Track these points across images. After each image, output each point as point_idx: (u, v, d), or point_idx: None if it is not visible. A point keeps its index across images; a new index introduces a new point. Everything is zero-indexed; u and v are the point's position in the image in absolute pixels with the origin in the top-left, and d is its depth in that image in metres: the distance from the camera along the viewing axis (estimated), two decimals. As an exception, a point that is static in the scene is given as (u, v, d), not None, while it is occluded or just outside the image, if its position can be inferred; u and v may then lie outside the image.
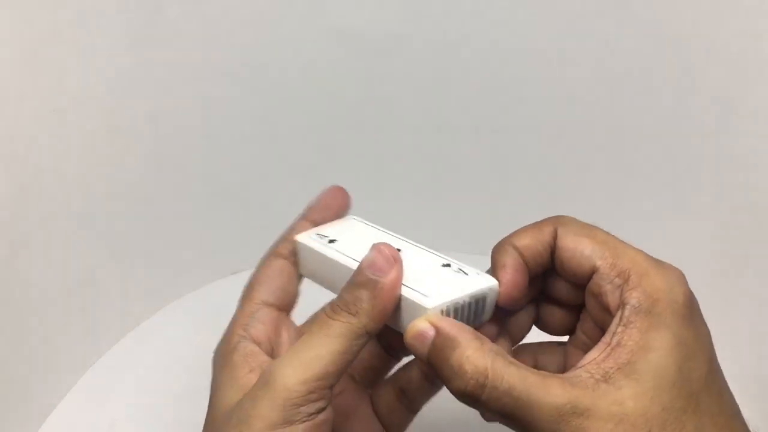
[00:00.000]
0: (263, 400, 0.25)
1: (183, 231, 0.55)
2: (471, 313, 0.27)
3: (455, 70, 0.53)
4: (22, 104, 0.40)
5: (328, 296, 0.29)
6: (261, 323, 0.29)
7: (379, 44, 0.52)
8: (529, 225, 0.28)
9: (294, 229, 0.31)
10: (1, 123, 0.39)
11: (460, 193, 0.58)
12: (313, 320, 0.27)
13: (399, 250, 0.28)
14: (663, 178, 0.51)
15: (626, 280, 0.25)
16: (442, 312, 0.26)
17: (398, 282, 0.26)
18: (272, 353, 0.29)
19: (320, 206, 0.32)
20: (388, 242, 0.27)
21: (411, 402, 0.30)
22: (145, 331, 0.54)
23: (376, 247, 0.26)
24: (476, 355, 0.24)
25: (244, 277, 0.31)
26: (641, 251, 0.26)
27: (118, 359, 0.51)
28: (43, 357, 0.45)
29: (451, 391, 0.25)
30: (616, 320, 0.25)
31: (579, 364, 0.25)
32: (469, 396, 0.24)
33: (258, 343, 0.28)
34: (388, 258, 0.26)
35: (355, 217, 0.33)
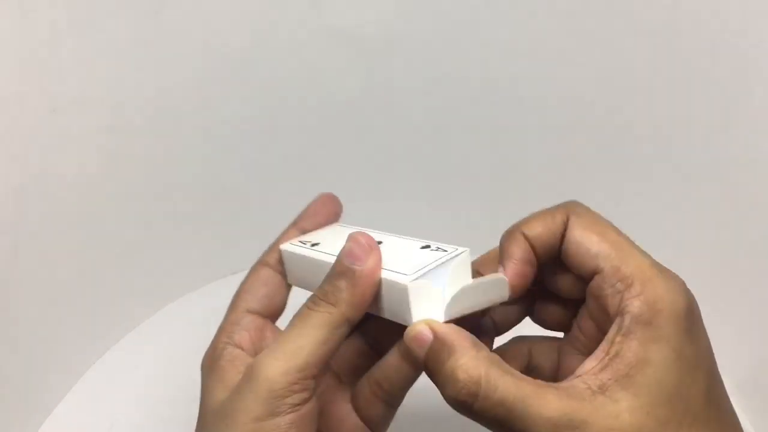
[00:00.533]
0: (248, 393, 0.25)
1: (183, 231, 0.55)
2: (446, 282, 0.27)
3: (455, 70, 0.53)
4: (22, 104, 0.40)
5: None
6: (245, 330, 0.29)
7: (379, 44, 0.52)
8: (542, 211, 0.28)
9: (283, 237, 0.32)
10: (1, 123, 0.39)
11: (460, 193, 0.58)
12: (294, 315, 0.27)
13: (380, 242, 0.28)
14: (663, 178, 0.51)
15: (628, 287, 0.25)
16: (419, 288, 0.26)
17: (376, 269, 0.26)
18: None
19: (309, 214, 0.33)
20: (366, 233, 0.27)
21: (388, 395, 0.30)
22: (145, 331, 0.54)
23: (351, 237, 0.27)
24: (471, 363, 0.24)
25: (243, 278, 0.31)
26: (648, 257, 0.26)
27: (118, 359, 0.51)
28: (43, 357, 0.45)
29: (445, 398, 0.25)
30: (614, 328, 0.25)
31: (576, 373, 0.25)
32: (461, 404, 0.24)
33: (242, 349, 0.29)
34: (364, 246, 0.26)
35: (341, 223, 0.33)
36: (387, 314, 0.27)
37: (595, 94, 0.51)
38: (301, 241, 0.31)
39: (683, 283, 0.25)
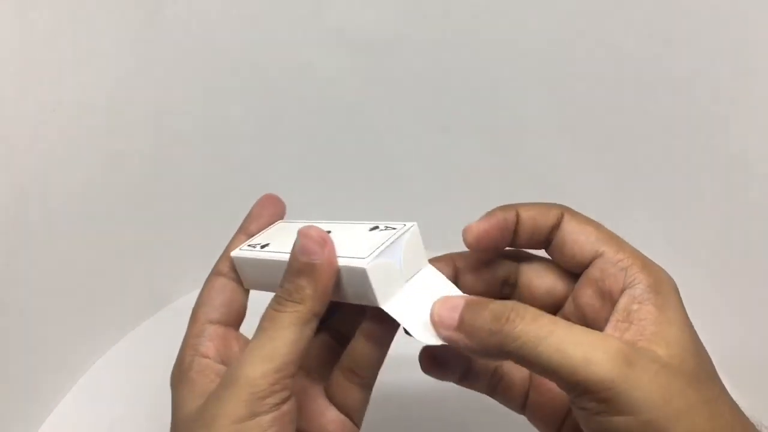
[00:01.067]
0: (228, 398, 0.25)
1: (183, 231, 0.55)
2: (410, 255, 0.28)
3: (455, 70, 0.53)
4: (22, 104, 0.40)
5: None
6: (209, 341, 0.30)
7: (379, 44, 0.52)
8: (538, 202, 0.29)
9: (231, 245, 0.32)
10: (1, 123, 0.39)
11: (460, 192, 0.58)
12: (262, 317, 0.27)
13: (329, 231, 0.28)
14: (663, 179, 0.51)
15: (630, 266, 0.26)
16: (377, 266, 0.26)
17: (333, 259, 0.27)
18: (224, 365, 0.29)
19: (253, 217, 0.33)
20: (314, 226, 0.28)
21: (361, 379, 0.30)
22: (144, 332, 0.54)
23: (301, 233, 0.27)
24: (509, 301, 0.25)
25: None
26: (638, 250, 0.28)
27: (118, 359, 0.51)
28: (43, 357, 0.45)
29: (480, 341, 0.25)
30: (625, 298, 0.26)
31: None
32: (510, 324, 0.24)
33: (209, 358, 0.29)
34: (316, 239, 0.26)
35: (285, 220, 0.34)
36: (351, 299, 0.28)
37: (595, 93, 0.51)
38: (249, 245, 0.31)
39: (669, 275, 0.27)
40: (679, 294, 0.26)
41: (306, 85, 0.53)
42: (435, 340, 0.27)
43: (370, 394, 0.31)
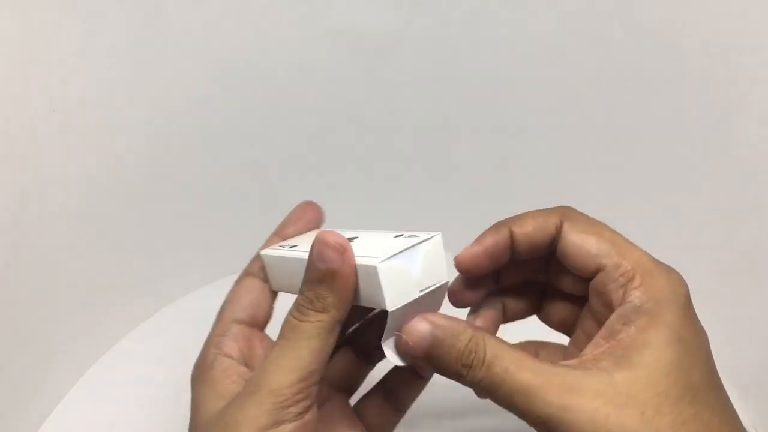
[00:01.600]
0: (251, 405, 0.25)
1: (183, 231, 0.55)
2: (430, 264, 0.27)
3: (455, 70, 0.53)
4: (22, 104, 0.40)
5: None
6: (233, 340, 0.29)
7: (379, 44, 0.52)
8: (536, 211, 0.29)
9: (265, 246, 0.32)
10: (1, 123, 0.39)
11: (460, 193, 0.58)
12: (284, 326, 0.27)
13: (356, 237, 0.28)
14: (663, 179, 0.51)
15: (630, 280, 0.26)
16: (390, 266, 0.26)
17: (353, 265, 0.26)
18: (247, 366, 0.29)
19: (291, 221, 0.33)
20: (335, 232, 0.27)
21: (399, 402, 0.31)
22: (145, 331, 0.54)
23: (319, 239, 0.26)
24: (472, 334, 0.25)
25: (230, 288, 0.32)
26: (645, 252, 0.27)
27: (118, 359, 0.51)
28: (43, 357, 0.45)
29: (446, 373, 0.26)
30: (614, 317, 0.25)
31: (574, 358, 0.25)
32: (462, 369, 0.25)
33: (233, 359, 0.29)
34: (334, 246, 0.26)
35: (321, 230, 0.33)
36: (363, 301, 0.27)
37: (595, 94, 0.51)
38: (281, 245, 0.31)
39: (681, 277, 0.26)
40: (681, 306, 0.25)
41: (306, 85, 0.53)
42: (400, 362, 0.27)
43: (401, 418, 0.32)
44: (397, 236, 0.28)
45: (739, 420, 0.25)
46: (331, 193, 0.58)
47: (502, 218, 0.29)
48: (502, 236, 0.28)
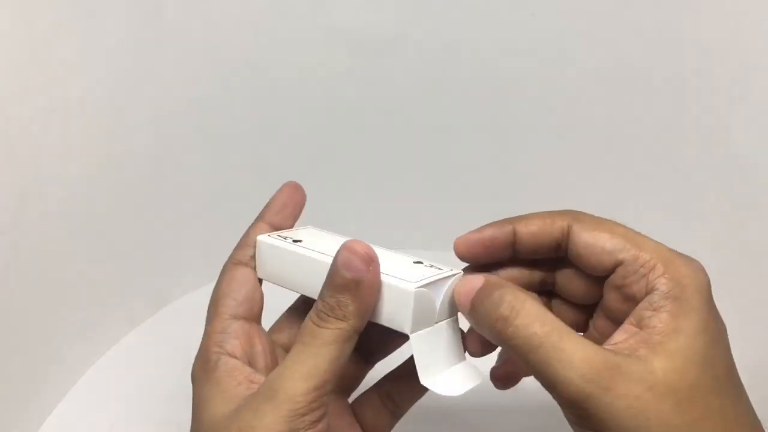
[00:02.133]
0: (267, 412, 0.25)
1: (182, 231, 0.55)
2: (447, 299, 0.28)
3: (455, 70, 0.53)
4: (22, 104, 0.40)
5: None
6: (235, 338, 0.29)
7: (379, 44, 0.52)
8: (542, 213, 0.29)
9: (251, 232, 0.31)
10: (1, 123, 0.39)
11: (460, 193, 0.58)
12: (303, 330, 0.27)
13: None
14: (663, 179, 0.51)
15: (651, 269, 0.25)
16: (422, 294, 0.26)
17: (379, 277, 0.26)
18: (250, 365, 0.29)
19: (276, 206, 0.32)
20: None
21: (396, 406, 0.31)
22: (145, 331, 0.54)
23: (347, 247, 0.26)
24: (517, 292, 0.25)
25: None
26: (661, 243, 0.27)
27: (118, 359, 0.51)
28: (43, 357, 0.45)
29: (484, 326, 0.26)
30: (643, 305, 0.25)
31: (605, 345, 0.25)
32: (501, 323, 0.25)
33: (237, 358, 0.28)
34: (363, 256, 0.26)
35: (313, 227, 0.33)
36: (382, 320, 0.27)
37: (595, 94, 0.51)
38: (280, 236, 0.31)
39: (701, 264, 0.26)
40: (705, 293, 0.25)
41: (306, 85, 0.53)
42: (439, 389, 0.27)
43: (397, 421, 0.32)
44: (416, 262, 0.29)
45: (755, 412, 0.25)
46: (331, 192, 0.58)
47: (501, 218, 0.30)
48: (504, 231, 0.28)
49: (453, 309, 0.29)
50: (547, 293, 0.31)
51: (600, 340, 0.28)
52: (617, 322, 0.27)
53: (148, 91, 0.49)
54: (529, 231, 0.28)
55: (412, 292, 0.26)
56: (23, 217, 0.42)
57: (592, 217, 0.28)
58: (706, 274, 0.26)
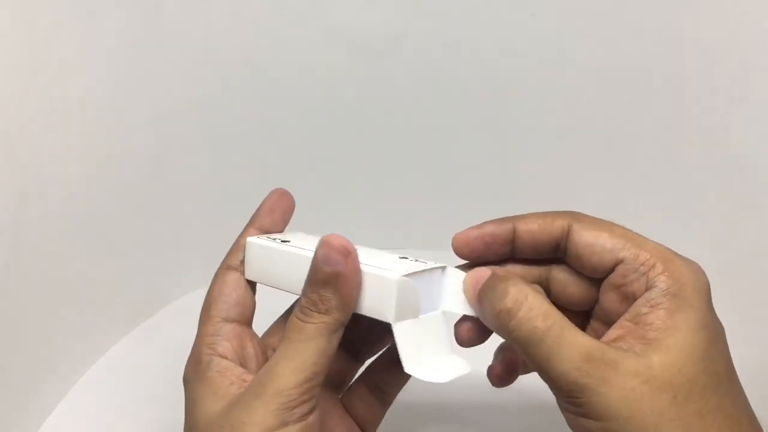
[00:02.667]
0: (257, 407, 0.25)
1: (183, 231, 0.55)
2: (432, 291, 0.29)
3: (455, 70, 0.53)
4: (22, 104, 0.40)
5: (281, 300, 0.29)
6: (226, 340, 0.29)
7: (378, 44, 0.52)
8: (542, 213, 0.29)
9: (241, 238, 0.32)
10: (1, 123, 0.39)
11: (460, 193, 0.58)
12: (288, 327, 0.27)
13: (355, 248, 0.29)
14: (663, 179, 0.51)
15: (652, 267, 0.26)
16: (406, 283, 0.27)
17: (358, 268, 0.27)
18: (242, 366, 0.29)
19: (265, 211, 0.32)
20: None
21: (384, 394, 0.32)
22: (145, 331, 0.54)
23: (324, 242, 0.27)
24: (522, 285, 0.26)
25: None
26: (660, 243, 0.27)
27: (118, 359, 0.51)
28: (43, 357, 0.45)
29: (489, 315, 0.26)
30: (640, 301, 0.25)
31: (601, 340, 0.25)
32: (504, 315, 0.25)
33: (228, 359, 0.29)
34: (340, 249, 0.26)
35: (303, 233, 0.34)
36: (365, 310, 0.28)
37: (595, 94, 0.51)
38: (269, 237, 0.31)
39: (699, 266, 0.27)
40: (704, 293, 0.25)
41: (306, 85, 0.53)
42: (424, 375, 0.27)
43: (387, 409, 0.32)
44: (401, 257, 0.29)
45: (753, 412, 0.26)
46: (331, 193, 0.58)
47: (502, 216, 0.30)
48: (503, 229, 0.29)
49: (438, 302, 0.29)
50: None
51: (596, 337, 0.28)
52: (610, 324, 0.27)
53: (148, 91, 0.49)
54: (528, 229, 0.28)
55: (395, 280, 0.26)
56: (23, 217, 0.42)
57: (591, 217, 0.28)
58: (705, 276, 0.26)
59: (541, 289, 0.28)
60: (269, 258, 0.30)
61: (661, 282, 0.25)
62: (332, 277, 0.26)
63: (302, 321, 0.27)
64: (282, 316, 0.33)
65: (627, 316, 0.26)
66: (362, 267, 0.27)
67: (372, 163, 0.57)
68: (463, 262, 0.31)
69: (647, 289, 0.26)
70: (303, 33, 0.51)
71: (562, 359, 0.24)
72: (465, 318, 0.29)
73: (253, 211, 0.33)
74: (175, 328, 0.53)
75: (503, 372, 0.30)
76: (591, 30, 0.49)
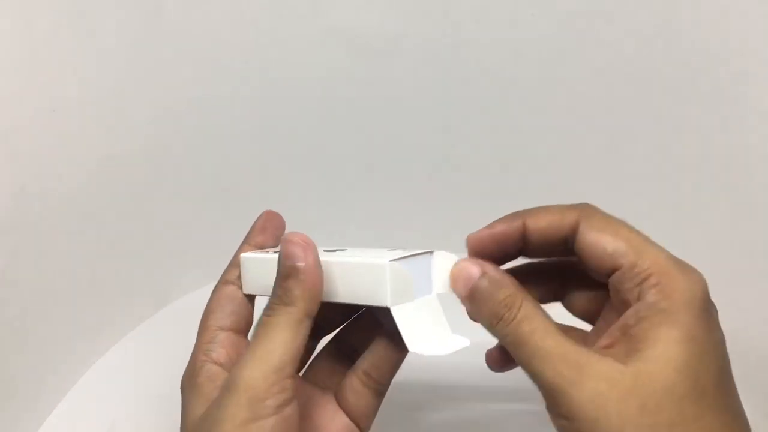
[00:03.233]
0: (229, 403, 0.26)
1: (182, 231, 0.55)
2: (424, 276, 0.30)
3: (455, 70, 0.53)
4: (22, 104, 0.40)
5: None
6: (221, 347, 0.30)
7: (378, 44, 0.52)
8: (553, 207, 0.29)
9: (238, 254, 0.33)
10: (1, 123, 0.39)
11: (461, 193, 0.58)
12: (256, 325, 0.28)
13: (343, 250, 0.30)
14: (663, 179, 0.51)
15: (645, 279, 0.26)
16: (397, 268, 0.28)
17: (317, 260, 0.28)
18: None
19: (258, 230, 0.34)
20: (332, 249, 0.29)
21: (377, 383, 0.31)
22: (145, 331, 0.54)
23: (284, 239, 0.28)
24: (515, 290, 0.27)
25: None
26: (664, 250, 0.27)
27: (118, 359, 0.51)
28: (43, 357, 0.45)
29: (480, 315, 0.28)
30: (629, 312, 0.26)
31: (596, 345, 0.26)
32: (493, 316, 0.27)
33: (220, 365, 0.29)
34: (299, 243, 0.28)
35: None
36: (362, 300, 0.29)
37: (595, 94, 0.51)
38: (262, 250, 0.33)
39: (700, 276, 0.26)
40: (697, 305, 0.25)
41: (306, 85, 0.53)
42: (428, 351, 0.28)
43: (380, 402, 0.32)
44: (391, 250, 0.30)
45: (749, 427, 0.25)
46: (331, 193, 0.58)
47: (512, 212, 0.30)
48: (514, 226, 0.29)
49: (430, 286, 0.30)
50: (562, 278, 0.32)
51: (606, 332, 0.28)
52: (610, 326, 0.27)
53: (148, 91, 0.49)
54: (538, 227, 0.29)
55: (386, 264, 0.27)
56: (23, 217, 0.42)
57: (602, 215, 0.28)
58: (703, 286, 0.26)
59: (529, 295, 0.28)
60: (263, 269, 0.31)
61: (651, 295, 0.25)
62: (293, 270, 0.27)
63: (268, 316, 0.27)
64: None
65: (618, 324, 0.26)
66: (352, 260, 0.28)
67: (372, 163, 0.57)
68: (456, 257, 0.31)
69: (638, 299, 0.26)
70: (303, 33, 0.51)
71: (542, 360, 0.25)
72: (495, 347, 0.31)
73: (254, 208, 0.34)
74: (175, 328, 0.53)
75: (499, 356, 0.31)
76: (591, 30, 0.49)
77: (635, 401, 0.24)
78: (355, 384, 0.32)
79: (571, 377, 0.24)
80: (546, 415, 0.26)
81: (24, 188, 0.42)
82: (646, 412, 0.23)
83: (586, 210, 0.28)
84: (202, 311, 0.32)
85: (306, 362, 0.34)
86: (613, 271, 0.27)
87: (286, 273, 0.28)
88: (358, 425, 0.32)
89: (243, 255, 0.32)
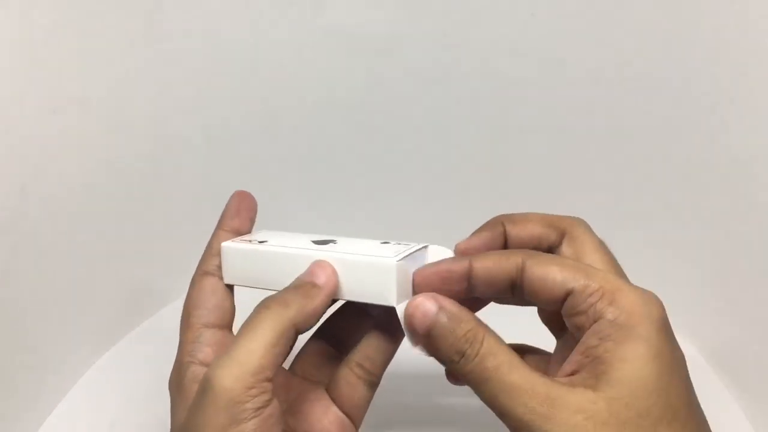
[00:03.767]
0: (207, 407, 0.25)
1: (182, 231, 0.55)
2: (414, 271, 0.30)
3: (455, 70, 0.53)
4: (22, 104, 0.40)
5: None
6: (207, 346, 0.29)
7: (379, 44, 0.52)
8: (498, 251, 0.29)
9: (213, 242, 0.32)
10: (1, 123, 0.39)
11: (460, 193, 0.58)
12: (244, 323, 0.27)
13: (334, 241, 0.30)
14: (663, 179, 0.51)
15: (600, 298, 0.26)
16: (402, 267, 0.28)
17: (334, 288, 0.28)
18: None
19: (231, 213, 0.33)
20: (321, 238, 0.29)
21: (369, 374, 0.31)
22: (144, 332, 0.54)
23: (316, 263, 0.28)
24: (474, 325, 0.26)
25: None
26: (613, 273, 0.27)
27: (118, 359, 0.51)
28: (43, 357, 0.45)
29: (440, 355, 0.27)
30: (590, 333, 0.25)
31: (556, 377, 0.25)
32: (455, 355, 0.26)
33: (207, 366, 0.29)
34: (327, 270, 0.28)
35: (267, 230, 0.34)
36: (363, 297, 0.29)
37: (595, 94, 0.51)
38: (243, 239, 0.32)
39: (653, 294, 0.26)
40: (656, 322, 0.25)
41: (305, 85, 0.53)
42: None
43: (373, 394, 0.32)
44: (383, 243, 0.31)
45: None
46: (330, 192, 0.58)
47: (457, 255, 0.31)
48: (460, 266, 0.29)
49: None
50: None
51: (566, 358, 0.28)
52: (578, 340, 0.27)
53: (148, 91, 0.49)
54: (483, 266, 0.28)
55: (394, 265, 0.27)
56: (23, 217, 0.42)
57: (545, 254, 0.28)
58: (659, 305, 0.26)
59: (490, 329, 0.28)
60: (251, 260, 0.30)
61: (609, 312, 0.25)
62: (309, 284, 0.27)
63: (257, 312, 0.27)
64: None
65: (580, 348, 0.26)
66: (355, 256, 0.28)
67: (371, 163, 0.57)
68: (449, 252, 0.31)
69: (596, 320, 0.25)
70: (303, 33, 0.51)
71: (510, 397, 0.24)
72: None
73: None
74: (175, 328, 0.53)
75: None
76: (591, 30, 0.49)
77: (613, 429, 0.23)
78: (348, 376, 0.31)
79: (543, 412, 0.24)
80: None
81: (24, 188, 0.42)
82: None
83: (530, 252, 0.28)
84: (201, 311, 0.31)
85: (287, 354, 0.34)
86: (565, 297, 0.27)
87: (299, 283, 0.28)
88: (351, 418, 0.31)
89: (224, 244, 0.31)
